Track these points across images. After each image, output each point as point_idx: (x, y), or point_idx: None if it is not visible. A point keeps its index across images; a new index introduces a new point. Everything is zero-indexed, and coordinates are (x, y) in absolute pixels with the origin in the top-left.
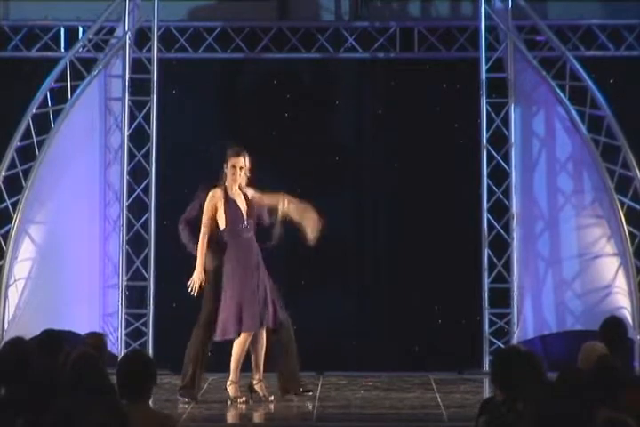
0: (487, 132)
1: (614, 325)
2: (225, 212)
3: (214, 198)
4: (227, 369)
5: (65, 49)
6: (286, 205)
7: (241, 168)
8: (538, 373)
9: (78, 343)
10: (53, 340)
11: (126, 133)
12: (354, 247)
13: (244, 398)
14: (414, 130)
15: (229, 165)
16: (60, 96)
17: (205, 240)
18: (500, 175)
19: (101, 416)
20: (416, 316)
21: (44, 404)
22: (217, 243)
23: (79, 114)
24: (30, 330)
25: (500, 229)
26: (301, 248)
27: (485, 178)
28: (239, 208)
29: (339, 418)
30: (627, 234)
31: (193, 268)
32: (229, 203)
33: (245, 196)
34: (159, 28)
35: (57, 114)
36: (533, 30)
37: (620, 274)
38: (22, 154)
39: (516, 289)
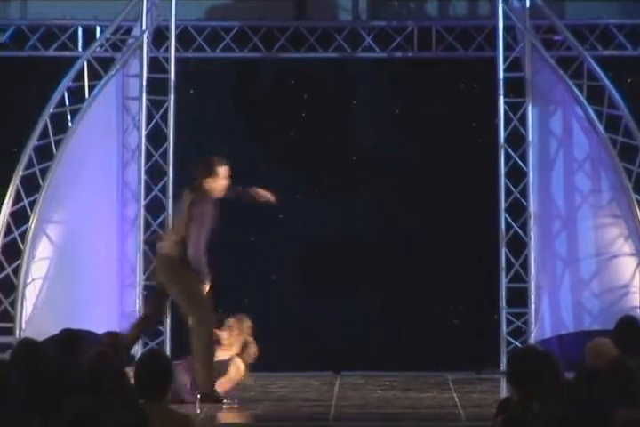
0: (504, 131)
1: (628, 324)
2: None
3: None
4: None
5: (82, 48)
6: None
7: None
8: (555, 373)
9: (95, 343)
10: (72, 339)
11: (144, 133)
12: (370, 247)
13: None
14: (431, 130)
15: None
16: (77, 95)
17: None
18: (517, 175)
19: (119, 416)
20: (433, 315)
21: (61, 404)
22: None
23: (96, 113)
24: (47, 329)
25: (518, 229)
26: (317, 248)
27: (503, 177)
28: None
29: (356, 418)
30: None
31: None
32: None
33: None
34: (177, 28)
35: (74, 113)
36: (551, 30)
37: (638, 274)
38: (40, 153)
39: (533, 289)
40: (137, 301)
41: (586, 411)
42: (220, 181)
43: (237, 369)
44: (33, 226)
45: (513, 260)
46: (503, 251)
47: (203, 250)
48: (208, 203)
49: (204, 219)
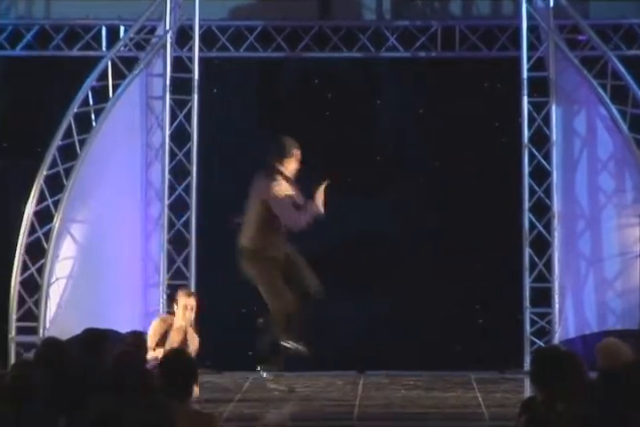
0: (528, 131)
1: None
2: None
3: None
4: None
5: (106, 48)
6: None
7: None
8: (578, 373)
9: (119, 342)
10: (95, 339)
11: (167, 132)
12: (394, 246)
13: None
14: (455, 129)
15: (294, 157)
16: (101, 95)
17: None
18: (541, 175)
19: (143, 415)
20: (457, 315)
21: (86, 403)
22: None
23: (120, 113)
24: (71, 329)
25: (542, 229)
26: (341, 247)
27: (527, 177)
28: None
29: (379, 417)
30: None
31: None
32: None
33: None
34: (200, 27)
35: (98, 113)
36: (575, 29)
37: None
38: (64, 153)
39: (557, 289)
40: (160, 300)
41: (607, 411)
42: (292, 164)
43: (193, 341)
44: (57, 225)
45: (537, 259)
46: (527, 251)
47: (298, 217)
48: (283, 181)
49: (284, 194)
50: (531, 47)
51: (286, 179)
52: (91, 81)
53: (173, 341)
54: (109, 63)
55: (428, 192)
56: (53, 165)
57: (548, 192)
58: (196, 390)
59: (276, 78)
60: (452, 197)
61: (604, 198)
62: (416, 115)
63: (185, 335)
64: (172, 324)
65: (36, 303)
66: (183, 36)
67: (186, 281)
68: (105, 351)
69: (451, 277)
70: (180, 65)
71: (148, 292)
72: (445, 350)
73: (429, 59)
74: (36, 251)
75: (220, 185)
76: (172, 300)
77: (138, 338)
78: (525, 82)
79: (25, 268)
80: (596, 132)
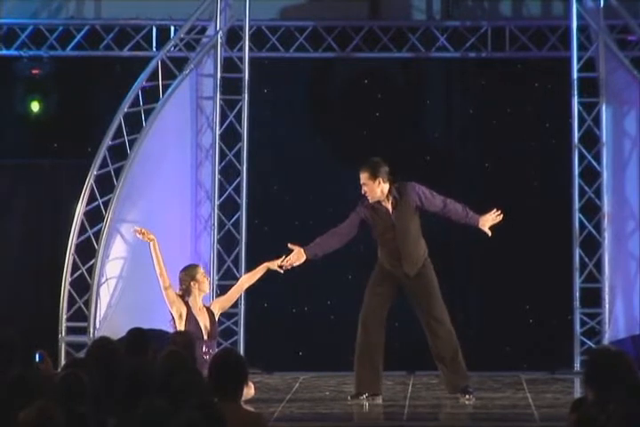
0: (578, 131)
1: None
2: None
3: None
4: (319, 369)
5: (156, 48)
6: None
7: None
8: (629, 373)
9: (168, 342)
10: (139, 339)
11: (217, 133)
12: (444, 247)
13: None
14: (505, 130)
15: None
16: (151, 95)
17: None
18: (591, 175)
19: (191, 416)
20: (507, 315)
21: (135, 403)
22: None
23: (170, 113)
24: (121, 329)
25: (592, 229)
26: None
27: (577, 178)
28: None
29: (429, 418)
30: None
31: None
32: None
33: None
34: (250, 28)
35: (148, 113)
36: (625, 30)
37: None
38: (114, 153)
39: (607, 289)
40: (210, 300)
41: None
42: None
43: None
44: (107, 225)
45: (587, 260)
46: (577, 251)
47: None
48: (364, 209)
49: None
50: (581, 47)
51: (367, 203)
52: (141, 81)
53: (203, 321)
54: (159, 63)
55: (478, 192)
56: (103, 165)
57: (598, 193)
58: (250, 391)
59: (326, 78)
60: (501, 197)
61: None
62: (466, 115)
63: (209, 316)
64: (189, 304)
65: (87, 303)
66: (233, 37)
67: (236, 281)
68: (150, 351)
69: (501, 278)
70: (230, 65)
71: None
72: (495, 351)
73: (479, 59)
74: (87, 251)
75: (269, 185)
76: (190, 278)
77: (186, 338)
78: (575, 82)
79: (75, 268)
80: None
